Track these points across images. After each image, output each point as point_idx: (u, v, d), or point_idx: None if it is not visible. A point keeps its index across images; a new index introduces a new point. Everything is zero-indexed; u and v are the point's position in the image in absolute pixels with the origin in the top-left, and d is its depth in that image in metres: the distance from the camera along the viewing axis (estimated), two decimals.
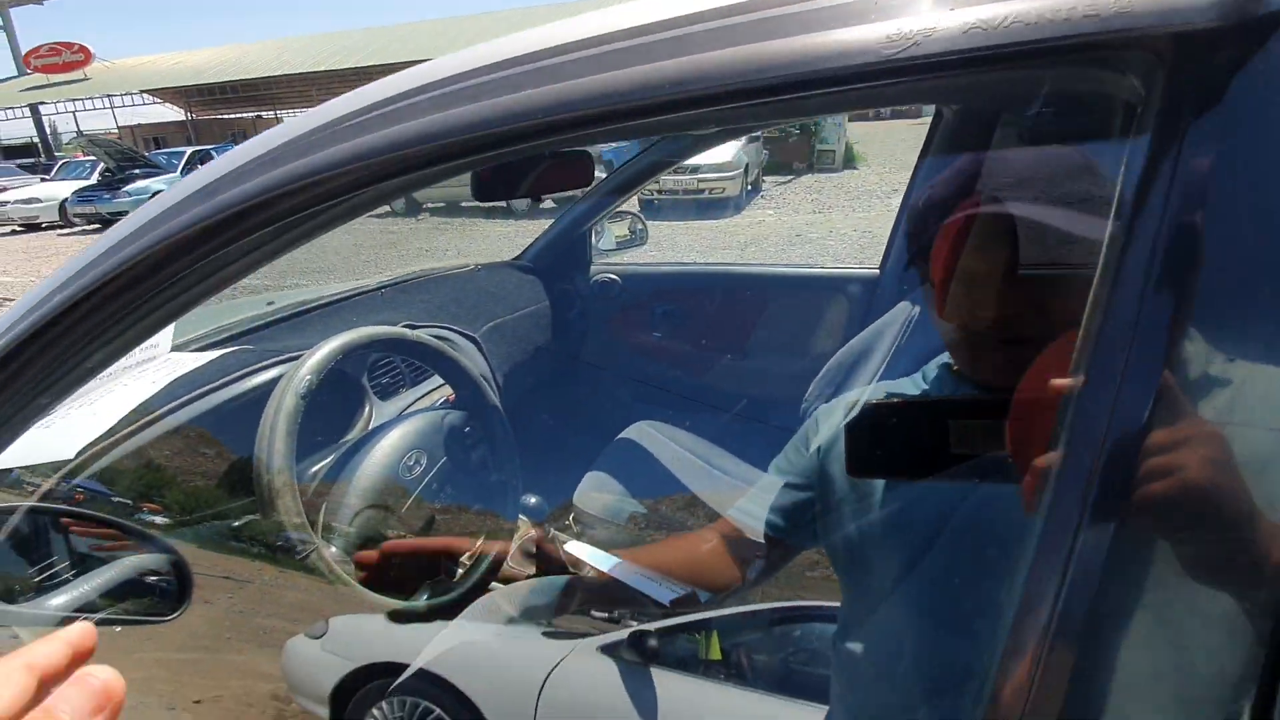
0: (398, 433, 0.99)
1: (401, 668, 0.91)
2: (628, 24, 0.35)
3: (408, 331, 1.06)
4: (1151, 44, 0.26)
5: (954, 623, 0.59)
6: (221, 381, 0.96)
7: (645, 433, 1.48)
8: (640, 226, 2.26)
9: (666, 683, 0.81)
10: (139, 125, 31.32)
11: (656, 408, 1.81)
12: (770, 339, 1.84)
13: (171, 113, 30.80)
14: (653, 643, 0.86)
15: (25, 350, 0.48)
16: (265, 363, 1.02)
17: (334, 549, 0.84)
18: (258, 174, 0.40)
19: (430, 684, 0.87)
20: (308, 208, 0.40)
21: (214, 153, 14.61)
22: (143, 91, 27.58)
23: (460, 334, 1.57)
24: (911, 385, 0.74)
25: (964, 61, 0.27)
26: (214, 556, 0.95)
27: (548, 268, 2.00)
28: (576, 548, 1.17)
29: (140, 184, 12.84)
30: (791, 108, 0.32)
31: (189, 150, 14.62)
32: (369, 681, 0.93)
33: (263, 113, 31.89)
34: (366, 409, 1.25)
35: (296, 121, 0.44)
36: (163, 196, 0.49)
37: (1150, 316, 0.26)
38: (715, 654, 0.92)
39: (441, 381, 1.39)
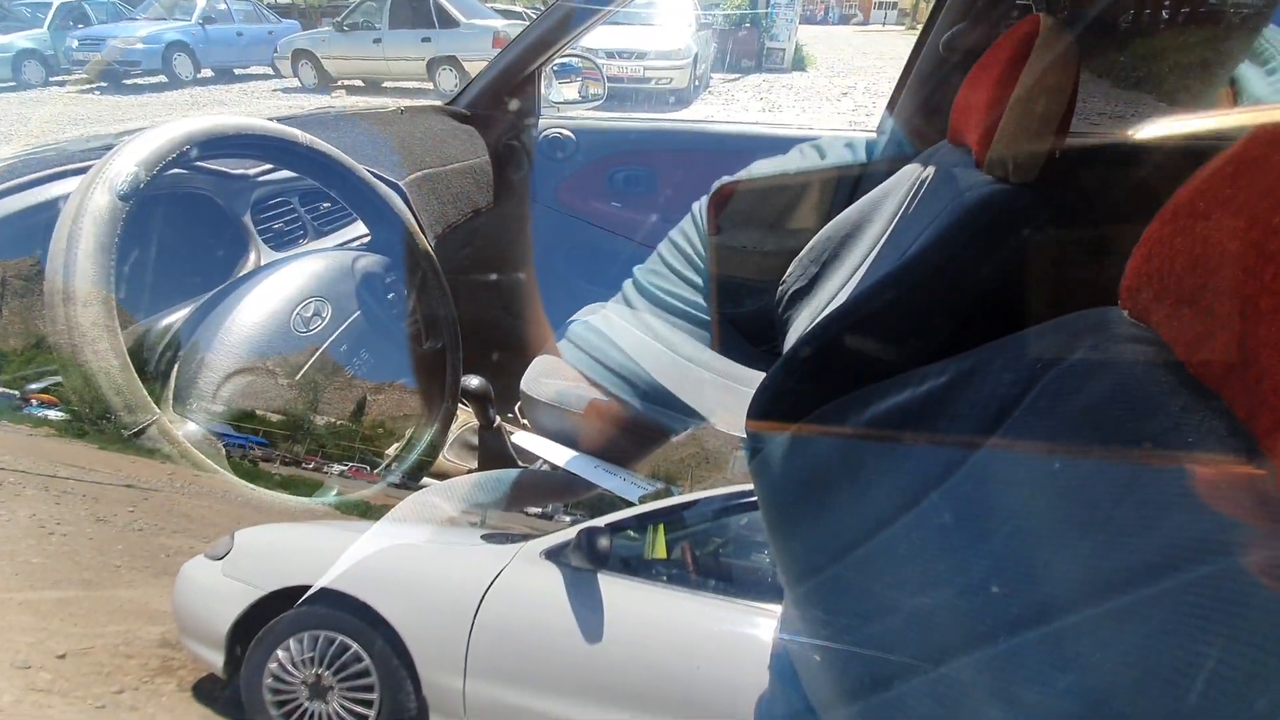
0: (288, 273, 0.71)
1: (320, 592, 0.72)
2: None
3: (300, 134, 0.75)
4: None
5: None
6: (6, 188, 0.65)
7: (601, 314, 1.26)
8: (598, 76, 1.92)
9: (613, 590, 0.73)
10: None
11: (616, 286, 1.57)
12: (745, 209, 1.61)
13: None
14: (604, 542, 0.77)
15: None
16: (74, 165, 0.70)
17: (191, 425, 0.58)
18: None
19: (342, 608, 0.67)
20: None
21: (85, 6, 12.58)
22: None
23: (381, 179, 1.26)
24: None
25: None
26: (114, 457, 0.71)
27: (487, 116, 1.67)
28: (526, 439, 0.96)
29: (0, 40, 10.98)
30: None
31: (56, 1, 12.50)
32: (275, 613, 0.73)
33: None
34: (252, 257, 0.95)
35: None
36: None
37: None
38: (660, 551, 0.81)
39: (358, 235, 1.10)
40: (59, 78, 11.74)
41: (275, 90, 11.47)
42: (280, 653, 0.66)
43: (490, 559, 0.79)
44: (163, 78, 11.02)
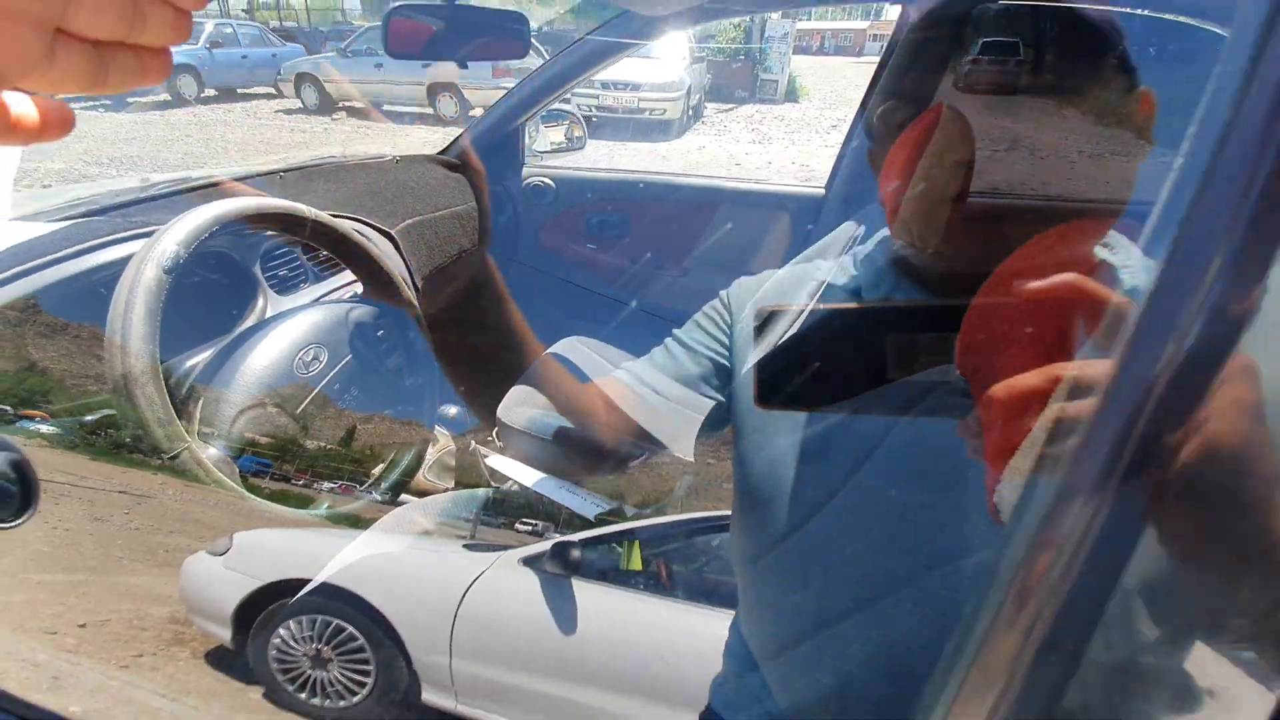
0: (292, 323, 0.86)
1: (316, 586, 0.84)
2: None
3: (306, 209, 0.91)
4: None
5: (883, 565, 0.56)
6: (67, 253, 0.80)
7: (575, 349, 1.40)
8: (579, 133, 2.09)
9: (587, 593, 0.81)
10: None
11: (587, 322, 1.72)
12: (710, 255, 1.77)
13: None
14: (575, 553, 0.85)
15: None
16: (125, 234, 0.85)
17: (212, 450, 0.72)
18: None
19: (339, 599, 0.80)
20: None
21: None
22: None
23: (374, 228, 1.41)
24: (839, 271, 0.67)
25: None
26: (110, 469, 0.83)
27: (474, 166, 1.83)
28: (499, 462, 1.09)
29: None
30: None
31: None
32: (275, 600, 0.85)
33: None
34: (260, 303, 1.10)
35: None
36: None
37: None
38: (636, 564, 0.92)
39: (351, 279, 1.24)
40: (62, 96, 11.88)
41: (277, 111, 11.71)
42: (282, 631, 0.78)
43: (471, 563, 0.88)
44: (166, 96, 11.26)
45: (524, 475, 1.03)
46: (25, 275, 0.75)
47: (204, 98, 11.93)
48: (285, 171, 1.55)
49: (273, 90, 12.89)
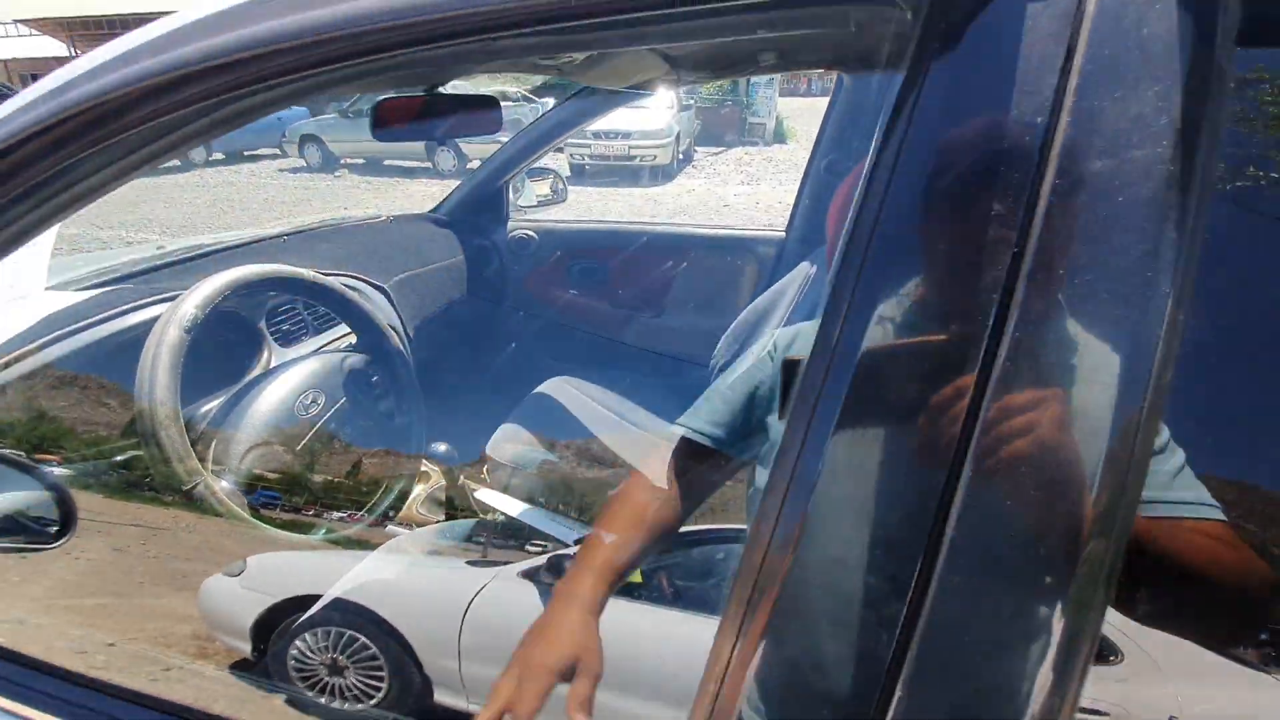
0: (294, 371, 0.98)
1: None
2: None
3: (305, 272, 1.04)
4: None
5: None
6: (100, 318, 0.92)
7: (560, 388, 1.51)
8: (560, 185, 2.25)
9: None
10: (12, 60, 28.19)
11: (571, 363, 1.84)
12: (683, 297, 1.90)
13: (51, 45, 27.87)
14: (570, 566, 0.91)
15: None
16: (148, 299, 0.98)
17: (224, 483, 0.83)
18: (114, 70, 0.40)
19: (353, 613, 0.87)
20: (162, 112, 0.40)
21: None
22: (16, 21, 24.81)
23: (369, 284, 1.54)
24: None
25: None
26: (124, 505, 0.92)
27: (463, 221, 1.98)
28: (487, 495, 1.20)
29: None
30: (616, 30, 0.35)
31: None
32: (290, 614, 0.92)
33: None
34: (265, 354, 1.23)
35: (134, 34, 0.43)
36: (12, 100, 0.47)
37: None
38: (636, 577, 0.97)
39: (347, 330, 1.37)
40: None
41: (281, 170, 12.10)
42: (299, 643, 0.87)
43: (474, 577, 0.91)
44: (175, 160, 11.67)
45: (509, 506, 1.13)
46: (66, 339, 0.88)
47: (211, 161, 12.36)
48: (289, 235, 1.70)
49: (277, 151, 13.35)
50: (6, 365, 0.84)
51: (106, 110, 0.41)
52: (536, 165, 2.11)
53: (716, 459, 0.71)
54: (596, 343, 1.94)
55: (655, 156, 9.33)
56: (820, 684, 0.36)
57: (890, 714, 0.31)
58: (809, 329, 0.78)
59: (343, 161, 11.81)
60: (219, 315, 1.10)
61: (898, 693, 0.31)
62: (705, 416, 0.71)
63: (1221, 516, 0.36)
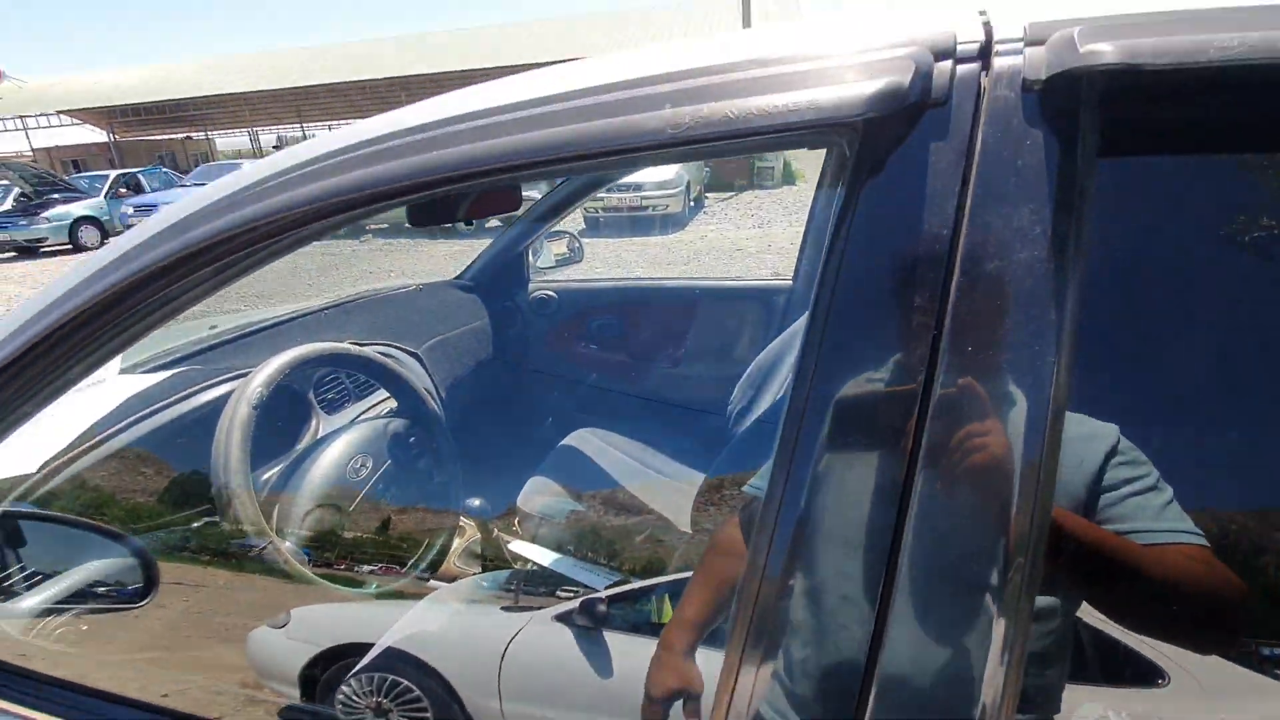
0: (344, 439, 1.08)
1: (364, 647, 0.94)
2: (531, 95, 0.47)
3: (351, 347, 1.15)
4: (844, 127, 0.40)
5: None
6: (174, 399, 1.04)
7: (585, 439, 1.59)
8: (576, 245, 2.38)
9: (617, 643, 0.88)
10: (56, 147, 29.85)
11: (595, 415, 1.92)
12: (698, 347, 1.99)
13: (92, 134, 29.50)
14: (602, 609, 0.93)
15: (18, 365, 0.57)
16: (214, 380, 1.10)
17: (288, 544, 0.93)
18: (227, 212, 0.51)
19: (397, 659, 0.92)
20: (273, 239, 0.51)
21: (141, 177, 14.10)
22: (59, 112, 26.39)
23: (403, 350, 1.66)
24: None
25: (717, 141, 0.40)
26: (167, 566, 0.99)
27: (487, 286, 2.10)
28: (520, 546, 1.27)
29: (59, 209, 12.31)
30: (625, 163, 0.45)
31: (113, 174, 14.05)
32: (335, 662, 0.94)
33: (192, 134, 30.94)
34: (314, 422, 1.33)
35: (261, 164, 0.55)
36: (138, 230, 0.59)
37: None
38: (666, 616, 0.97)
39: (385, 395, 1.48)
40: (112, 239, 13.02)
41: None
42: (344, 689, 0.94)
43: (510, 621, 0.96)
44: None
45: (541, 556, 1.21)
46: (147, 419, 0.99)
47: None
48: (328, 308, 1.83)
49: None
50: (98, 444, 0.94)
51: (221, 241, 0.52)
52: (554, 228, 2.24)
53: None
54: (618, 395, 2.03)
55: (667, 206, 9.57)
56: (809, 688, 0.43)
57: (870, 708, 0.38)
58: None
59: (368, 227, 12.29)
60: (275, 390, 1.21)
61: (873, 689, 0.38)
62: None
63: (1203, 541, 0.43)
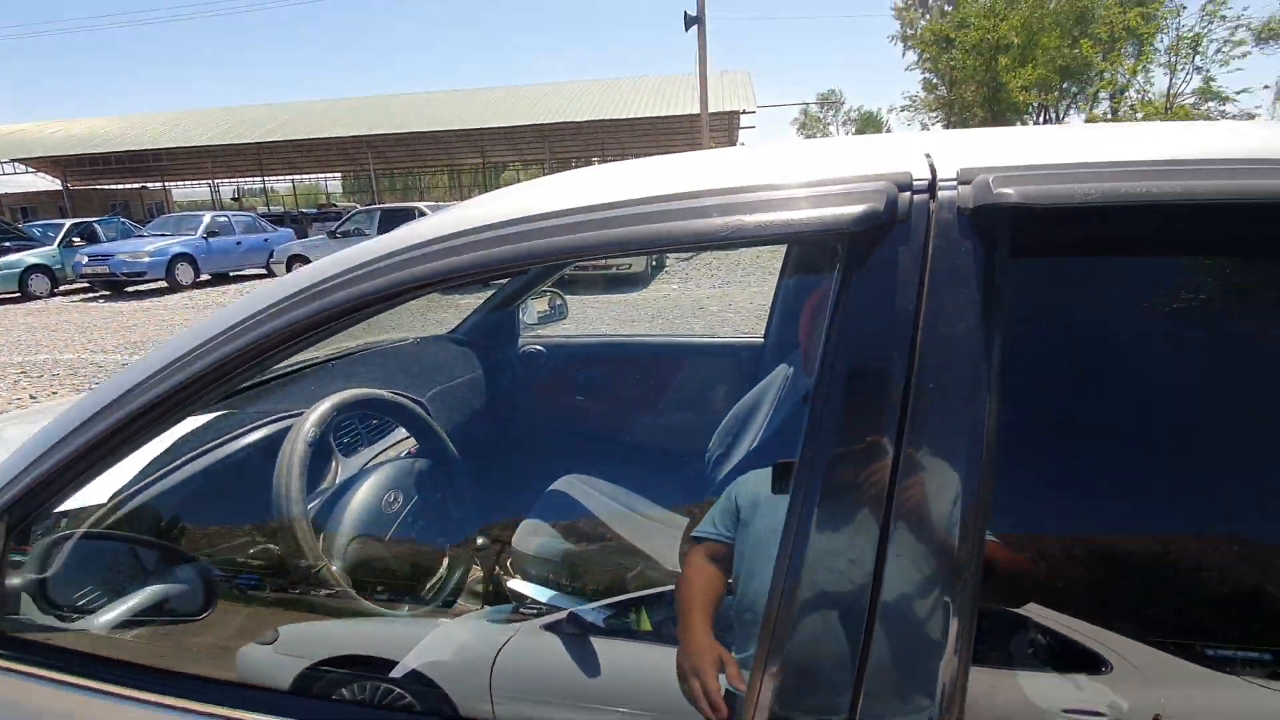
0: (377, 477, 1.20)
1: (353, 659, 0.99)
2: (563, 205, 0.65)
3: (385, 393, 1.28)
4: (836, 234, 0.58)
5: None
6: (221, 440, 1.14)
7: (572, 484, 1.72)
8: (560, 302, 2.55)
9: (604, 647, 0.95)
10: (4, 195, 29.05)
11: (582, 462, 2.04)
12: (677, 399, 2.15)
13: (43, 182, 28.86)
14: (589, 619, 1.01)
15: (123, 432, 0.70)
16: (259, 423, 1.21)
17: (335, 566, 1.03)
18: (322, 298, 0.67)
19: (385, 668, 0.96)
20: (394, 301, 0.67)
21: (97, 226, 13.87)
22: (11, 160, 25.84)
23: (409, 399, 1.78)
24: None
25: (751, 240, 0.58)
26: (224, 585, 0.99)
27: (480, 341, 2.24)
28: (517, 583, 1.38)
29: (10, 257, 11.98)
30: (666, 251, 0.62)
31: (67, 223, 13.78)
32: (324, 674, 0.96)
33: (148, 184, 30.55)
34: (334, 464, 1.44)
35: (388, 240, 0.70)
36: (260, 297, 0.73)
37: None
38: (646, 626, 1.07)
39: (391, 442, 1.59)
40: (63, 288, 12.80)
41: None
42: (335, 698, 0.96)
43: (500, 631, 1.03)
44: (164, 283, 12.03)
45: (536, 592, 1.31)
46: (205, 454, 1.10)
47: (199, 282, 12.73)
48: (334, 359, 1.94)
49: (264, 271, 13.83)
50: (161, 477, 1.04)
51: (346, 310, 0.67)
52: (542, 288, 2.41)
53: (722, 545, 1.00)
54: (602, 443, 2.16)
55: (630, 265, 9.90)
56: (814, 685, 0.58)
57: (861, 699, 0.54)
58: (753, 476, 1.05)
59: None
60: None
61: (865, 684, 0.54)
62: (711, 525, 1.04)
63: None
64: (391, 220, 12.24)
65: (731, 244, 0.59)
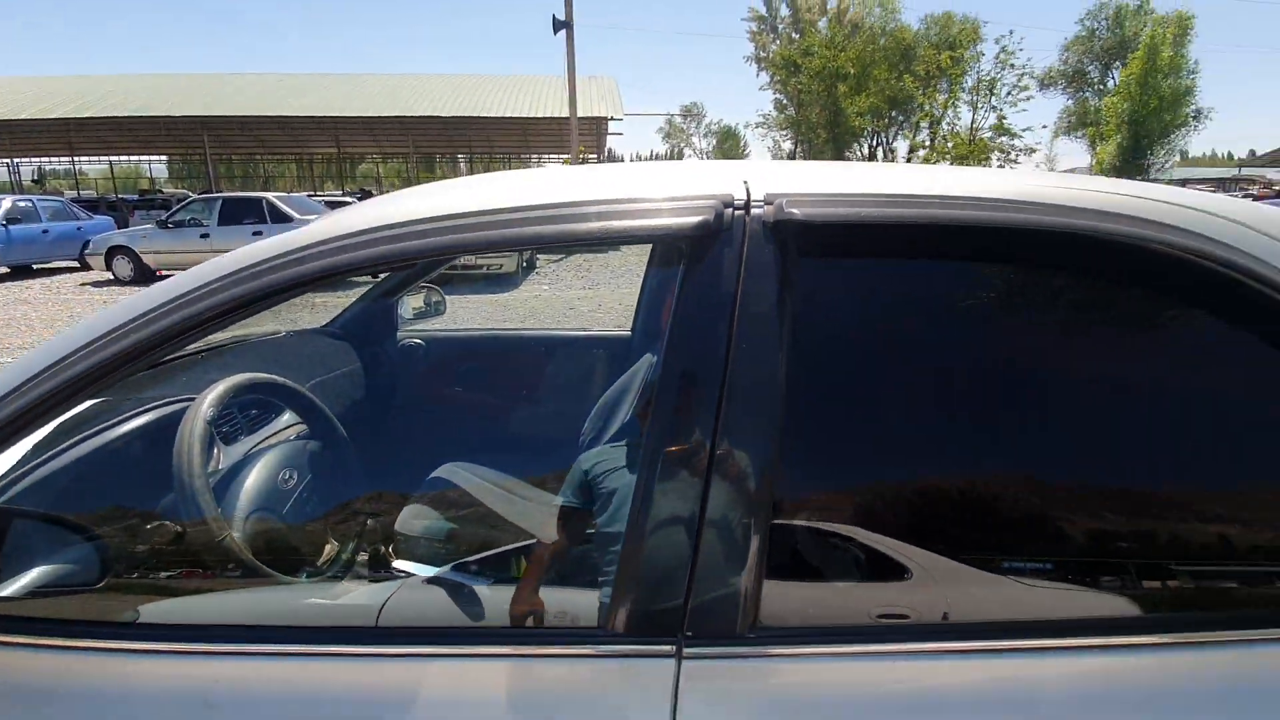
0: (274, 455, 1.27)
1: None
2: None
3: (279, 378, 1.34)
4: (682, 238, 0.79)
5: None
6: (114, 422, 1.16)
7: (453, 471, 1.83)
8: (439, 299, 2.63)
9: (483, 590, 1.09)
10: None
11: (464, 449, 2.14)
12: (553, 388, 2.32)
13: None
14: (474, 569, 1.15)
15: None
16: (147, 408, 1.24)
17: (236, 535, 1.11)
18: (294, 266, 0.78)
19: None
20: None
21: None
22: None
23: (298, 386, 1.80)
24: None
25: (619, 240, 0.77)
26: (122, 554, 1.01)
27: (357, 334, 2.28)
28: (402, 562, 1.48)
29: None
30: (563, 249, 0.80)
31: None
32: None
33: None
34: (215, 451, 1.47)
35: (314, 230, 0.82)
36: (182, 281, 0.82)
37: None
38: (516, 573, 1.22)
39: (271, 432, 1.64)
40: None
41: (83, 284, 11.08)
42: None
43: (384, 589, 1.13)
44: None
45: (421, 570, 1.43)
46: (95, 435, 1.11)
47: None
48: (204, 352, 1.92)
49: (77, 264, 12.21)
50: (55, 455, 1.06)
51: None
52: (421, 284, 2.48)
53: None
54: (483, 431, 2.28)
55: (501, 266, 9.88)
56: (656, 591, 0.78)
57: (690, 598, 0.75)
58: (598, 450, 1.27)
59: (159, 274, 11.08)
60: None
61: (694, 587, 0.75)
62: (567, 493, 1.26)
63: None
64: (235, 211, 11.27)
65: (605, 244, 0.78)
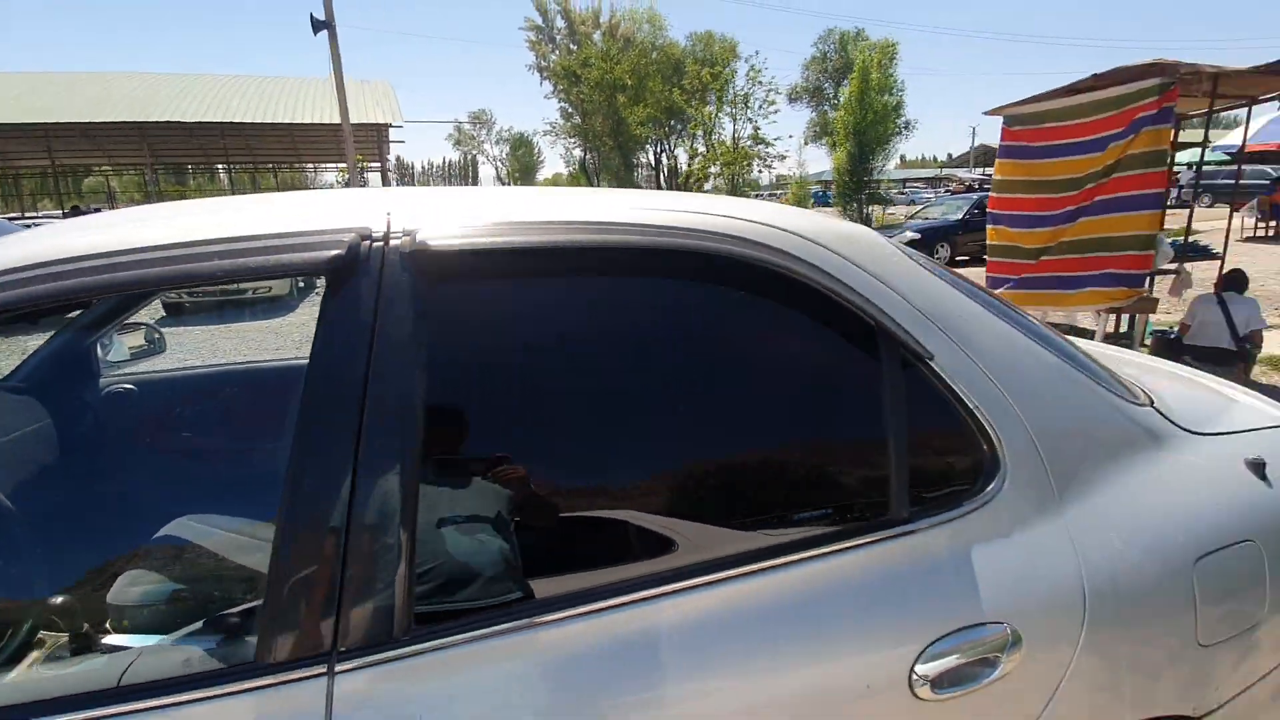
0: None
1: None
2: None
3: None
4: (321, 270, 0.82)
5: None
6: None
7: (185, 526, 1.66)
8: (156, 336, 2.36)
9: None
10: None
11: (201, 499, 1.92)
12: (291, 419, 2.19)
13: None
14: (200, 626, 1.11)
15: None
16: None
17: None
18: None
19: None
20: None
21: None
22: None
23: None
24: None
25: (251, 278, 0.79)
26: None
27: (44, 385, 1.97)
28: (118, 638, 1.33)
29: None
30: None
31: None
32: None
33: None
34: None
35: None
36: None
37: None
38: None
39: None
40: None
41: None
42: None
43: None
44: None
45: (140, 641, 1.30)
46: None
47: None
48: None
49: None
50: None
51: None
52: (127, 321, 2.20)
53: None
54: (221, 475, 2.09)
55: (271, 289, 8.95)
56: (306, 611, 0.81)
57: (341, 612, 0.79)
58: None
59: None
60: None
61: (344, 600, 0.79)
62: None
63: None
64: None
65: (237, 281, 0.79)
